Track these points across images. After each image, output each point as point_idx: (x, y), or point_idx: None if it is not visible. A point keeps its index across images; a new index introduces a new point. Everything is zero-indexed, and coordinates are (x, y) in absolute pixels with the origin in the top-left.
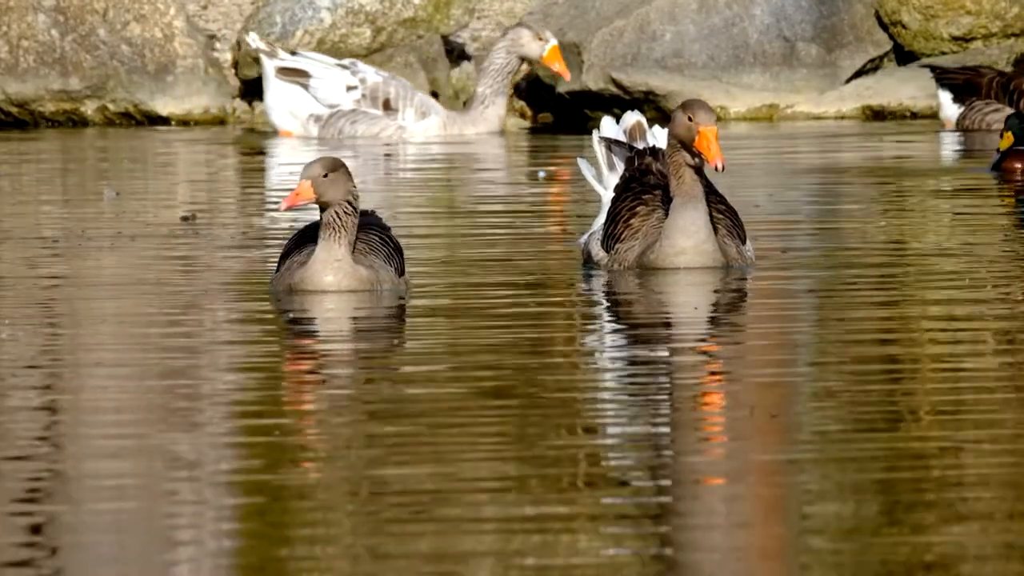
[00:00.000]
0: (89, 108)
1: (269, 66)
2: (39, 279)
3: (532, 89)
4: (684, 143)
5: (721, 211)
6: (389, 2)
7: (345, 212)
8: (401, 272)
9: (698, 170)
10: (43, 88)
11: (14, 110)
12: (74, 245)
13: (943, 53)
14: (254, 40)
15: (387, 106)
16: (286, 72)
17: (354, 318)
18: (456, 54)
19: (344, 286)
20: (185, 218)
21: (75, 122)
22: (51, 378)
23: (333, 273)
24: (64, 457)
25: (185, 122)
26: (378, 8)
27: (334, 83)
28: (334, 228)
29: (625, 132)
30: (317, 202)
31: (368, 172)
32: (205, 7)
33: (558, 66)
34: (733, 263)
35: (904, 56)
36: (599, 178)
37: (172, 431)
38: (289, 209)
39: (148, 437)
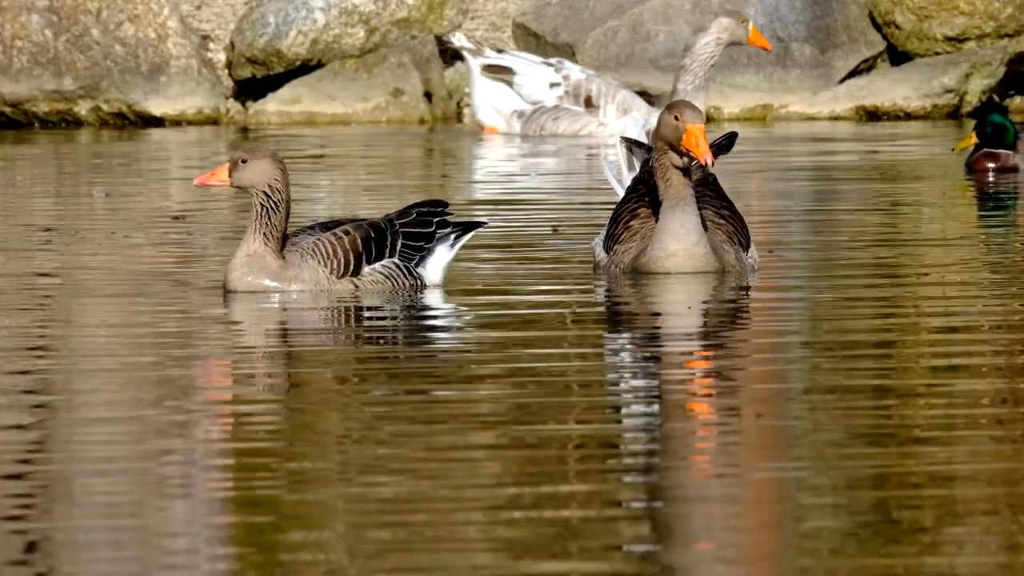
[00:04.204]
0: (83, 108)
1: (474, 64)
2: (31, 277)
3: None
4: (672, 144)
5: (724, 216)
6: (383, 2)
7: (263, 205)
8: (346, 274)
9: (686, 171)
10: (37, 88)
11: (8, 110)
12: (65, 244)
13: (937, 54)
14: (459, 39)
15: (588, 103)
16: (491, 70)
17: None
18: (450, 54)
19: (250, 285)
20: (176, 218)
21: (69, 122)
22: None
23: (241, 269)
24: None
25: (178, 122)
26: (372, 8)
27: (538, 80)
28: (254, 222)
29: (647, 133)
30: (232, 186)
31: (564, 167)
32: (199, 7)
33: (762, 41)
34: (729, 269)
35: (898, 56)
36: (620, 179)
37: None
38: (201, 186)
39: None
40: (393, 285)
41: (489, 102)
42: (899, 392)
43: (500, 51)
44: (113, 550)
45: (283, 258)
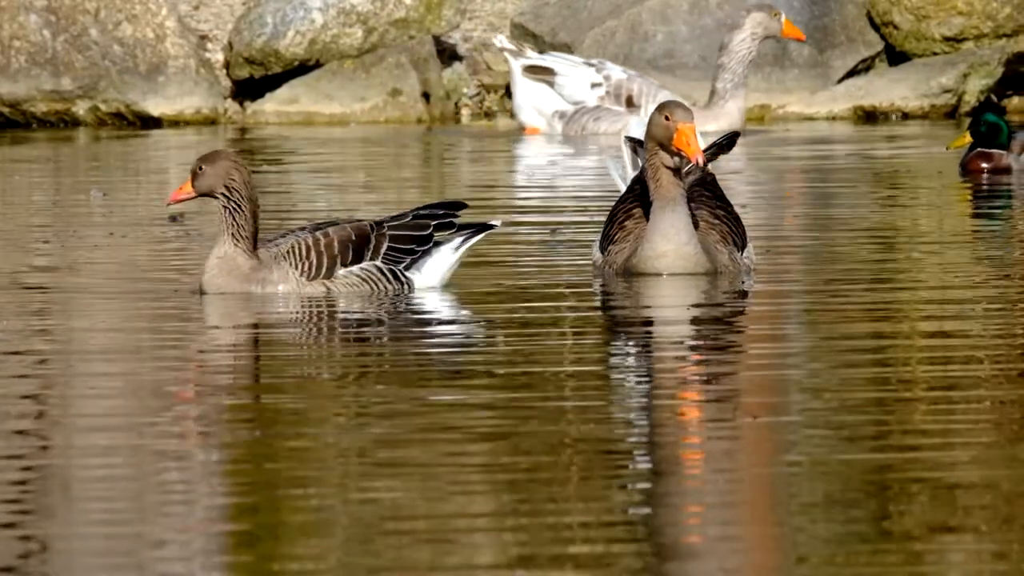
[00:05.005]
0: (81, 108)
1: (515, 65)
2: (28, 277)
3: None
4: (663, 144)
5: (719, 216)
6: (381, 3)
7: (225, 207)
8: (317, 276)
9: (677, 171)
10: (35, 88)
11: (6, 110)
12: (62, 245)
13: (935, 54)
14: (501, 41)
15: (630, 103)
16: (532, 70)
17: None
18: (447, 54)
19: (220, 287)
20: (173, 218)
21: (67, 122)
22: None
23: (212, 271)
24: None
25: (176, 122)
26: (369, 8)
27: (579, 80)
28: (221, 224)
29: None
30: (199, 195)
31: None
32: (196, 7)
33: (796, 33)
34: (723, 269)
35: (896, 57)
36: (624, 179)
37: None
38: (175, 203)
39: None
40: (372, 288)
41: (531, 103)
42: (896, 394)
43: (541, 52)
44: (108, 555)
45: (256, 258)
